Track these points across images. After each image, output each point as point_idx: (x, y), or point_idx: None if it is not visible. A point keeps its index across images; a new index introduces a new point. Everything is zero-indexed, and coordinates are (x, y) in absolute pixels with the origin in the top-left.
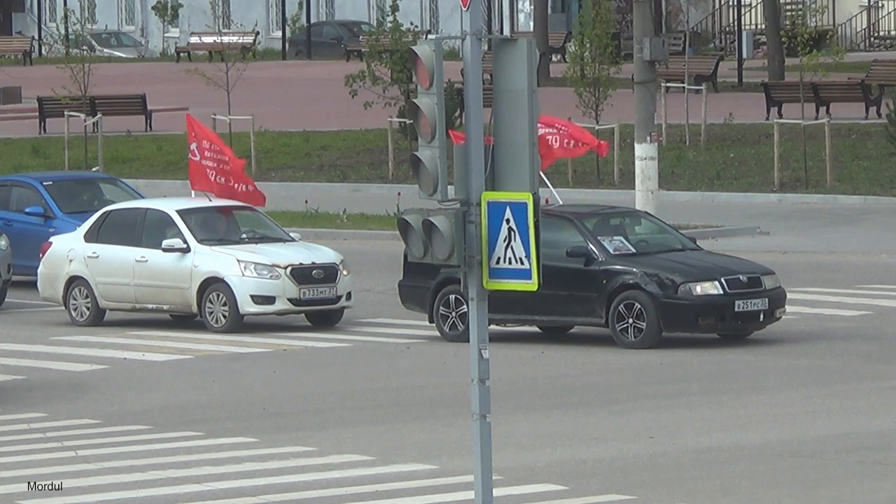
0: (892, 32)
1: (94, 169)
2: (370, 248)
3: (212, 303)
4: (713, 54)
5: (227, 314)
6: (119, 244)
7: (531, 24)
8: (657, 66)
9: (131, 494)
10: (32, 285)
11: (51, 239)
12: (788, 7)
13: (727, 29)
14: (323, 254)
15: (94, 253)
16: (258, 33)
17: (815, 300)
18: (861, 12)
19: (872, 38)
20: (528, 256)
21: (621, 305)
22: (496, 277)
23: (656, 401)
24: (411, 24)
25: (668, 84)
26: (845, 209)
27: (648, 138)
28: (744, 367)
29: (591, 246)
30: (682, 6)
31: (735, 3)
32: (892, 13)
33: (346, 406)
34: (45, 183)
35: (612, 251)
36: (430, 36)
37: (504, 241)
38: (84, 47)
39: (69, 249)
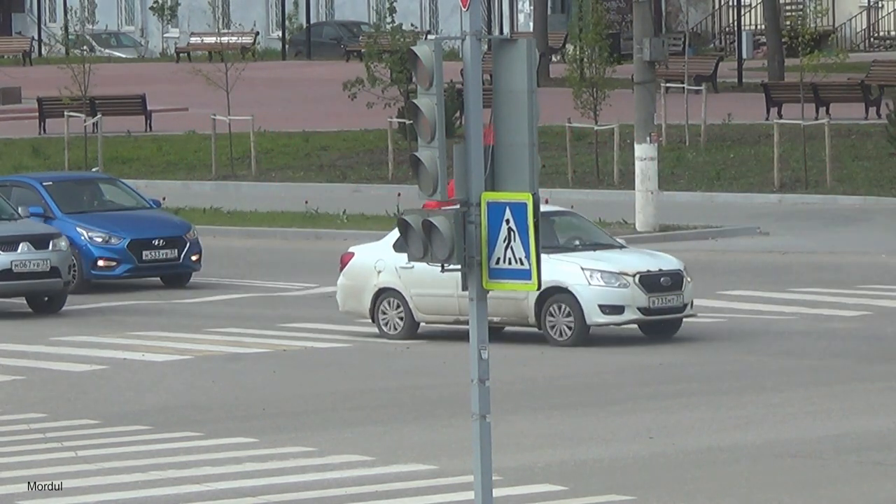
0: (892, 33)
1: (93, 169)
2: None
3: (553, 314)
4: (713, 54)
5: (571, 326)
6: None
7: (531, 24)
8: (657, 67)
9: (131, 495)
10: None
11: (351, 249)
12: (788, 7)
13: (727, 29)
14: (667, 260)
15: (408, 263)
16: (258, 33)
17: (815, 300)
18: (861, 13)
19: (872, 39)
20: (527, 257)
21: None
22: (496, 278)
23: (656, 401)
24: (412, 25)
25: (668, 84)
26: (845, 209)
27: (648, 139)
28: (744, 367)
29: None
30: (681, 6)
31: (735, 3)
32: (892, 13)
33: (346, 406)
34: (44, 183)
35: None
36: (429, 36)
37: (504, 241)
38: (84, 47)
39: (377, 260)
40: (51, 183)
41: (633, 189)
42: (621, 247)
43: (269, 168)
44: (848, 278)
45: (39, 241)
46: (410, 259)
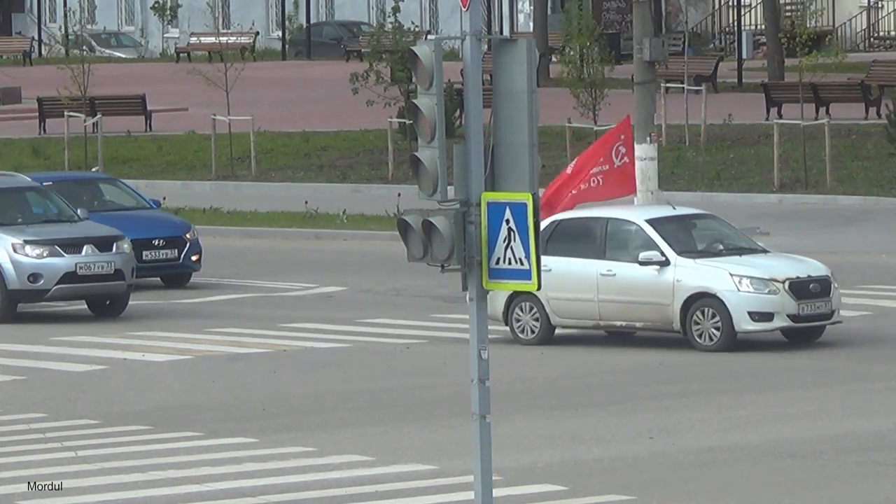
0: (892, 33)
1: (93, 169)
2: (370, 249)
3: (699, 321)
4: (713, 55)
5: (718, 332)
6: (576, 256)
7: (531, 24)
8: (657, 67)
9: (131, 495)
10: None
11: None
12: (788, 7)
13: (727, 29)
14: (815, 266)
15: (544, 266)
16: (257, 34)
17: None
18: (861, 13)
19: (872, 39)
20: (527, 257)
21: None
22: (496, 278)
23: (656, 401)
24: (412, 23)
25: (668, 84)
26: (845, 209)
27: (648, 139)
28: (744, 367)
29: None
30: (681, 6)
31: (735, 3)
32: (892, 13)
33: (346, 406)
34: (44, 183)
35: None
36: (429, 36)
37: (504, 241)
38: (84, 48)
39: None
40: (51, 183)
41: None
42: (764, 251)
43: (269, 168)
44: (848, 278)
45: (103, 244)
46: (410, 259)
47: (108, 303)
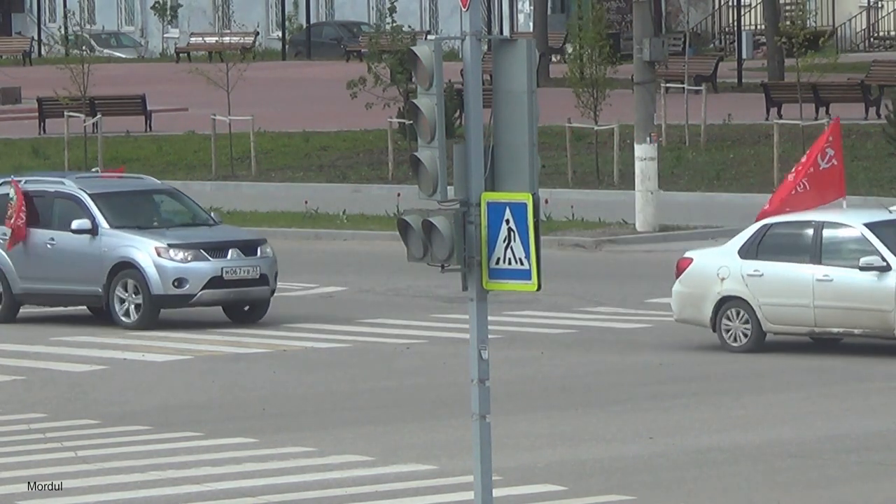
0: (892, 33)
1: (93, 170)
2: (370, 249)
3: None
4: (713, 55)
5: None
6: (789, 261)
7: (531, 24)
8: (657, 67)
9: (131, 495)
10: None
11: (688, 254)
12: (788, 8)
13: (727, 29)
14: None
15: (756, 271)
16: (258, 34)
17: None
18: (861, 13)
19: (872, 39)
20: (527, 257)
21: None
22: (496, 278)
23: (656, 401)
24: (408, 26)
25: (668, 84)
26: None
27: (648, 139)
28: (744, 367)
29: None
30: (681, 7)
31: (735, 3)
32: (892, 13)
33: (346, 406)
34: None
35: None
36: (429, 36)
37: (504, 241)
38: (84, 48)
39: (720, 267)
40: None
41: (633, 189)
42: None
43: (269, 168)
44: None
45: (247, 247)
46: (410, 259)
47: (246, 308)
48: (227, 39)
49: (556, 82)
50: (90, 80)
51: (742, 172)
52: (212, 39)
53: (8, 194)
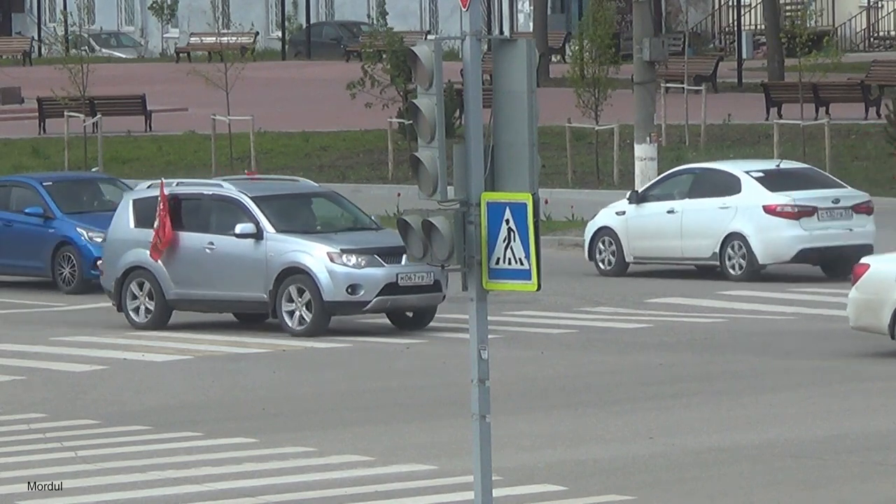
0: (892, 33)
1: (93, 169)
2: None
3: None
4: (713, 55)
5: None
6: None
7: (531, 24)
8: (657, 67)
9: (131, 495)
10: (30, 285)
11: (865, 260)
12: (788, 7)
13: (727, 29)
14: None
15: None
16: (257, 34)
17: (815, 300)
18: (861, 13)
19: (872, 39)
20: (527, 257)
21: None
22: (496, 278)
23: (656, 401)
24: (400, 30)
25: (668, 84)
26: None
27: (648, 139)
28: (744, 367)
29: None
30: (681, 6)
31: (735, 3)
32: (892, 13)
33: (346, 406)
34: (44, 183)
35: None
36: (429, 36)
37: (504, 241)
38: (83, 48)
39: None
40: (51, 183)
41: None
42: None
43: (269, 168)
44: (848, 278)
45: None
46: (410, 259)
47: (411, 314)
48: (226, 39)
49: (556, 82)
50: (90, 80)
51: None
52: (211, 39)
53: (157, 198)
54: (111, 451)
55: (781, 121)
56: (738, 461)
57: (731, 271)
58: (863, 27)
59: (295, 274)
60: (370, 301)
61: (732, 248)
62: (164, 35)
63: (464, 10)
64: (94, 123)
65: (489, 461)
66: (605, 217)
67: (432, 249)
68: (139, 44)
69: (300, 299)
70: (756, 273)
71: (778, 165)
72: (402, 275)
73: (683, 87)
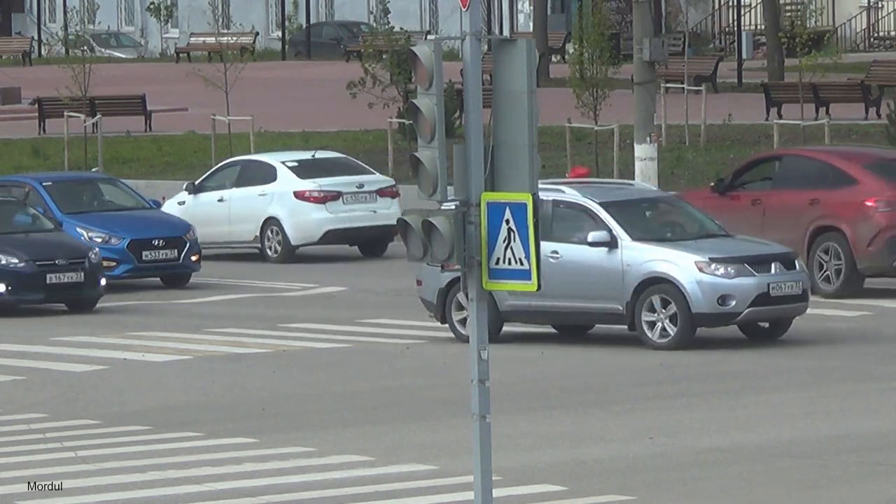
0: (892, 33)
1: (93, 169)
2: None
3: None
4: (713, 55)
5: None
6: None
7: (531, 24)
8: (657, 67)
9: (131, 495)
10: None
11: None
12: (788, 8)
13: (727, 29)
14: None
15: None
16: (257, 34)
17: (815, 300)
18: (861, 13)
19: (872, 39)
20: (527, 257)
21: None
22: (496, 278)
23: (656, 401)
24: (401, 28)
25: (668, 85)
26: None
27: (648, 139)
28: (744, 368)
29: None
30: (681, 7)
31: (735, 3)
32: (892, 13)
33: (346, 406)
34: (44, 183)
35: None
36: (429, 36)
37: (504, 241)
38: (83, 48)
39: None
40: (51, 183)
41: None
42: None
43: None
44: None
45: (787, 261)
46: (410, 259)
47: (766, 325)
48: (226, 39)
49: (556, 82)
50: (90, 80)
51: None
52: (211, 40)
53: None
54: (111, 451)
55: (781, 121)
56: (738, 461)
57: (269, 252)
58: (863, 27)
59: (658, 284)
60: (741, 312)
61: (271, 231)
62: (164, 35)
63: (464, 10)
64: (94, 123)
65: (489, 461)
66: (169, 208)
67: (432, 249)
68: (139, 44)
69: (664, 311)
70: (291, 254)
71: (314, 155)
72: (773, 284)
73: (683, 88)
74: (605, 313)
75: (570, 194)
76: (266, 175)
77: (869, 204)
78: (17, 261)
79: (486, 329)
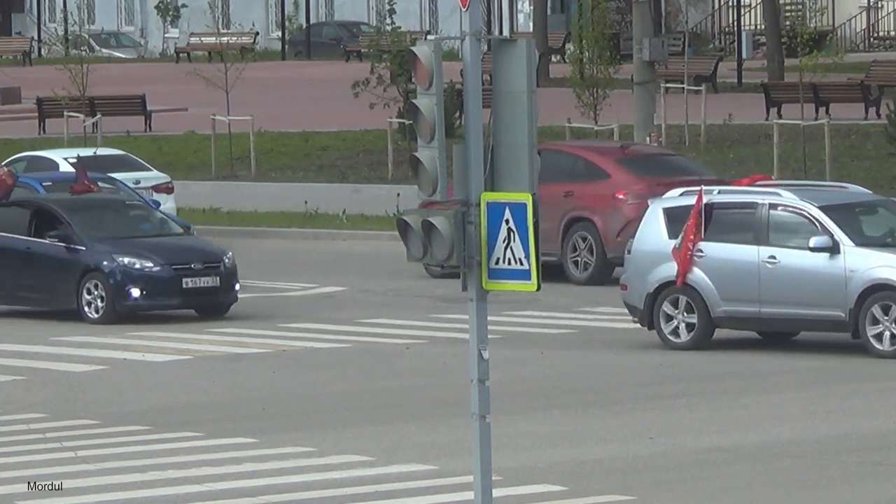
0: (892, 33)
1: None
2: (370, 249)
3: None
4: (713, 55)
5: None
6: None
7: (531, 24)
8: (657, 67)
9: (131, 495)
10: None
11: None
12: (788, 7)
13: (727, 29)
14: None
15: None
16: (257, 34)
17: None
18: (861, 13)
19: (872, 39)
20: (527, 257)
21: None
22: (495, 278)
23: (656, 401)
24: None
25: (668, 84)
26: None
27: (648, 139)
28: (744, 367)
29: None
30: (681, 7)
31: (735, 3)
32: (892, 13)
33: (346, 406)
34: (45, 183)
35: None
36: (429, 36)
37: (503, 241)
38: (83, 48)
39: None
40: (51, 183)
41: None
42: None
43: (269, 168)
44: None
45: None
46: (410, 259)
47: None
48: (226, 39)
49: (556, 82)
50: (90, 80)
51: (742, 172)
52: (211, 40)
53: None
54: (111, 451)
55: (781, 121)
56: (738, 461)
57: None
58: (863, 27)
59: (885, 291)
60: None
61: None
62: (164, 35)
63: (464, 10)
64: (93, 123)
65: (489, 461)
66: None
67: (432, 249)
68: (139, 44)
69: (885, 318)
70: None
71: (95, 152)
72: None
73: (683, 88)
74: (825, 321)
75: (788, 198)
76: (49, 169)
77: (619, 196)
78: (151, 265)
79: (486, 329)
